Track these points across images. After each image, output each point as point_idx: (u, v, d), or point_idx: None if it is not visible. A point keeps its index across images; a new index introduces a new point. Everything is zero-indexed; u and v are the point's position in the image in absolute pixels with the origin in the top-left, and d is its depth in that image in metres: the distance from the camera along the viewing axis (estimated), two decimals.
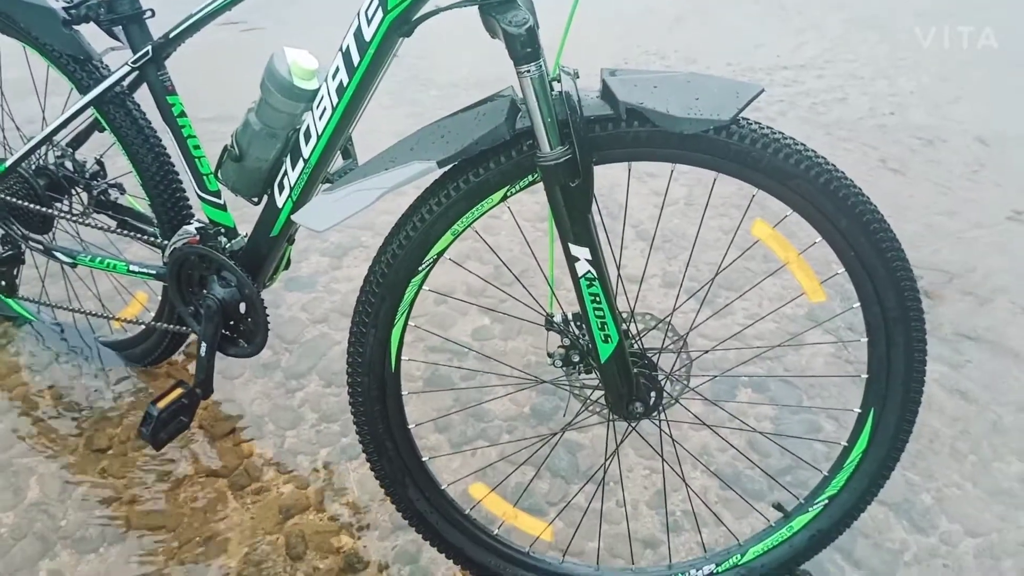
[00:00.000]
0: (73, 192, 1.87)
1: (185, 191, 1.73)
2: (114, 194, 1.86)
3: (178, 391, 1.71)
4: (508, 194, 1.29)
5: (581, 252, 1.24)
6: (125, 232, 1.79)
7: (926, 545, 1.66)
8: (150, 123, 1.68)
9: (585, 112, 1.20)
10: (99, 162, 1.86)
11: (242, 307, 1.67)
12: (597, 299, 1.27)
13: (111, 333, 2.11)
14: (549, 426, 1.91)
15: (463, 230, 1.32)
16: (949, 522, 1.71)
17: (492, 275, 2.28)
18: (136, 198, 1.89)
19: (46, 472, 1.79)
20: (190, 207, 1.75)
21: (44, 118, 1.79)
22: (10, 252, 1.88)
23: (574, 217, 1.23)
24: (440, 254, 1.34)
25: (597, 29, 1.22)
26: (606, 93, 1.22)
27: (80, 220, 1.81)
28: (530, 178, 1.27)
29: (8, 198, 1.81)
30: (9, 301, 2.14)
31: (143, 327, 1.95)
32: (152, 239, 1.76)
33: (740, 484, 1.76)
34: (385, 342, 1.39)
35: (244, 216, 1.64)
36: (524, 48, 1.15)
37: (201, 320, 1.71)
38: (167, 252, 1.68)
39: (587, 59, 1.36)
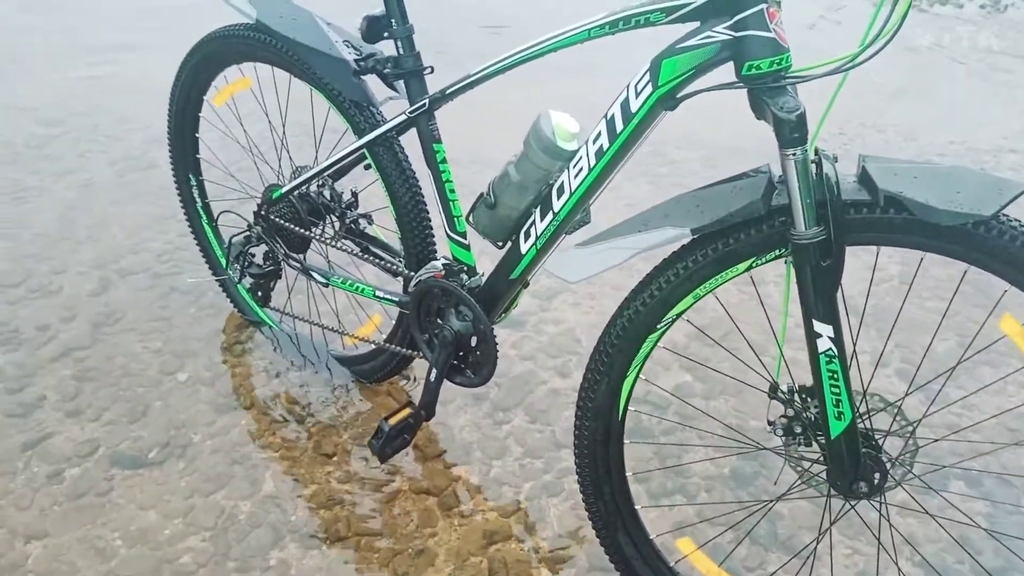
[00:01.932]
0: (328, 218, 2.08)
1: (433, 229, 1.89)
2: (363, 223, 2.05)
3: (407, 410, 1.86)
4: (753, 265, 1.35)
5: (824, 329, 1.28)
6: (372, 258, 1.96)
7: None
8: (411, 166, 1.85)
9: (842, 195, 1.25)
10: (354, 193, 2.06)
11: (474, 340, 1.80)
12: (835, 376, 1.30)
13: (343, 348, 2.30)
14: (749, 491, 1.92)
15: (704, 295, 1.39)
16: None
17: (702, 330, 2.32)
18: (383, 228, 2.07)
19: (279, 469, 1.98)
20: (435, 243, 1.90)
21: (316, 154, 2.01)
22: (271, 267, 2.11)
23: (821, 295, 1.27)
24: (679, 315, 1.41)
25: (817, 102, 1.26)
26: (864, 178, 1.26)
27: (332, 243, 2.01)
28: (777, 252, 1.32)
29: (278, 220, 2.03)
30: (257, 308, 2.38)
31: (374, 346, 2.12)
32: (394, 268, 1.93)
33: None
34: (616, 391, 1.47)
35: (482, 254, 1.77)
36: (792, 133, 1.21)
37: (434, 347, 1.85)
38: (412, 283, 1.84)
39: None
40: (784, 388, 1.48)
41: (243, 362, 2.33)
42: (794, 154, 1.22)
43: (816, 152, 1.27)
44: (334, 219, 2.07)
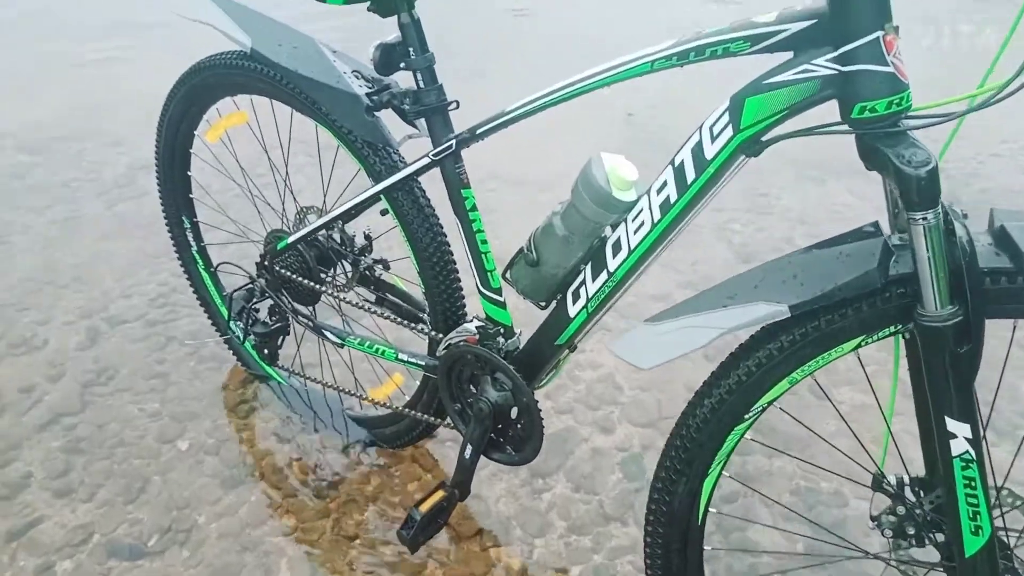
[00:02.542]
0: (340, 265, 1.84)
1: (462, 284, 1.65)
2: (378, 270, 1.81)
3: (440, 494, 1.62)
4: (862, 344, 1.11)
5: (960, 429, 1.04)
6: (391, 313, 1.73)
7: None
8: (434, 211, 1.61)
9: (979, 262, 1.01)
10: (367, 236, 1.82)
11: (514, 411, 1.57)
12: (972, 484, 1.06)
13: (360, 407, 2.07)
14: None
15: (801, 379, 1.15)
16: None
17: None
18: (401, 279, 1.84)
19: (295, 555, 1.75)
20: (464, 300, 1.67)
21: (325, 198, 1.77)
22: (278, 324, 1.87)
23: (958, 387, 1.03)
24: (771, 402, 1.17)
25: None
26: (1002, 239, 1.03)
27: (342, 294, 1.78)
28: (892, 329, 1.09)
29: (284, 271, 1.80)
30: (263, 362, 2.15)
31: (387, 408, 1.88)
32: (415, 324, 1.70)
33: None
34: (696, 492, 1.24)
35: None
36: (922, 194, 0.97)
37: (467, 420, 1.62)
38: (441, 347, 1.60)
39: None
40: (891, 479, 1.24)
41: (250, 424, 2.10)
42: (924, 219, 0.98)
43: (942, 209, 1.02)
44: (346, 266, 1.83)
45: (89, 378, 2.23)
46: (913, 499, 1.22)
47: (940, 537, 1.22)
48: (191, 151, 1.97)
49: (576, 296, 1.40)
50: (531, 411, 1.52)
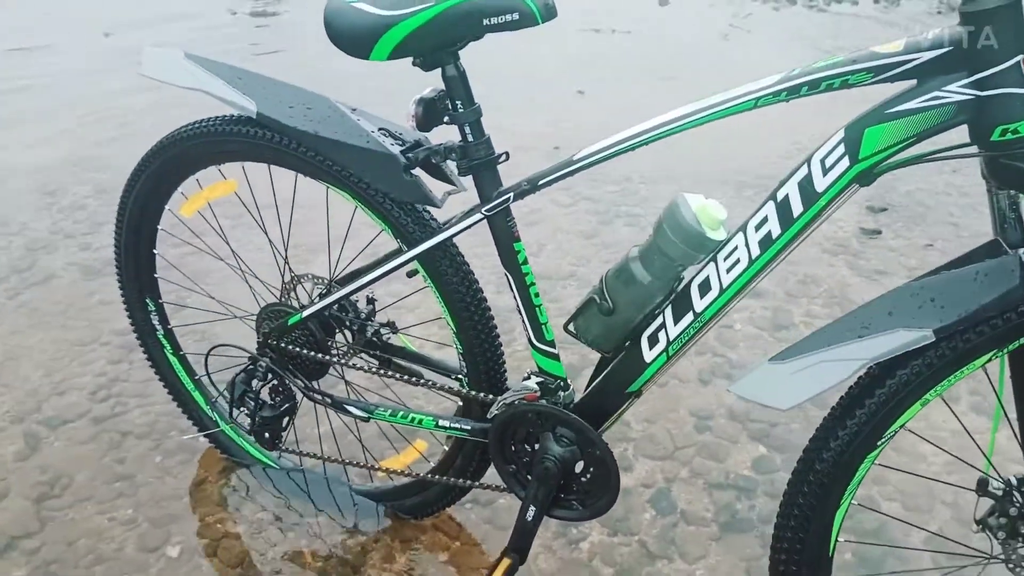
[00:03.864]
0: (343, 334, 1.72)
1: (501, 341, 1.58)
2: (386, 333, 1.71)
3: (506, 562, 1.54)
4: (992, 358, 1.13)
5: None
6: (416, 381, 1.63)
7: None
8: (470, 267, 1.54)
9: None
10: (370, 300, 1.71)
11: (579, 466, 1.51)
12: None
13: (372, 479, 1.93)
14: None
15: (933, 399, 1.17)
16: None
17: None
18: (407, 338, 1.75)
19: None
20: (505, 357, 1.60)
21: (336, 263, 1.65)
22: (287, 405, 1.72)
23: None
24: (902, 426, 1.18)
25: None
26: None
27: (353, 362, 1.67)
28: (1021, 341, 1.12)
29: (293, 348, 1.66)
30: (249, 446, 1.97)
31: (418, 477, 1.77)
32: (452, 388, 1.61)
33: None
34: (829, 526, 1.23)
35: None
36: None
37: (523, 481, 1.55)
38: (495, 408, 1.52)
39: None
40: (997, 482, 1.28)
41: (245, 517, 1.91)
42: None
43: None
44: (347, 335, 1.71)
45: (41, 491, 1.97)
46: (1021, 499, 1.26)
47: None
48: (158, 228, 1.79)
49: (654, 340, 1.36)
50: (606, 462, 1.47)
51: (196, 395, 1.98)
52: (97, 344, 2.40)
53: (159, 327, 1.92)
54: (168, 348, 1.95)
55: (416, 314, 2.24)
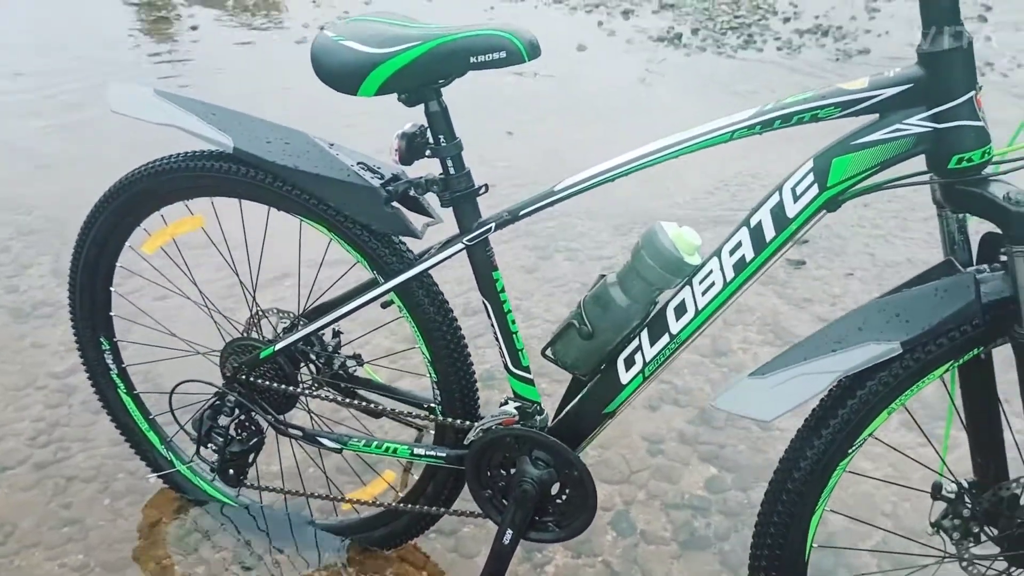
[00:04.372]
0: (310, 367, 1.73)
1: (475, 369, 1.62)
2: (351, 365, 1.73)
3: None
4: (950, 368, 1.24)
5: None
6: (385, 411, 1.65)
7: None
8: (446, 298, 1.57)
9: None
10: (336, 332, 1.73)
11: (555, 487, 1.56)
12: None
13: (337, 514, 1.92)
14: None
15: (896, 408, 1.26)
16: None
17: None
18: (371, 370, 1.76)
19: None
20: (478, 384, 1.63)
21: (308, 297, 1.66)
22: (256, 440, 1.71)
23: None
24: (871, 434, 1.27)
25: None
26: None
27: (321, 393, 1.68)
28: (976, 351, 1.23)
29: (262, 381, 1.66)
30: (204, 484, 1.94)
31: (386, 508, 1.78)
32: (412, 414, 1.64)
33: None
34: (805, 533, 1.30)
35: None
36: None
37: (499, 506, 1.58)
38: (472, 433, 1.55)
39: None
40: (948, 487, 1.38)
41: (202, 557, 1.87)
42: None
43: None
44: (315, 368, 1.72)
45: None
46: (972, 502, 1.36)
47: (995, 531, 1.36)
48: (117, 264, 1.76)
49: (630, 363, 1.42)
50: (583, 482, 1.52)
51: (150, 435, 1.94)
52: (32, 388, 2.32)
53: (113, 366, 1.88)
54: (121, 387, 1.90)
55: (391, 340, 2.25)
